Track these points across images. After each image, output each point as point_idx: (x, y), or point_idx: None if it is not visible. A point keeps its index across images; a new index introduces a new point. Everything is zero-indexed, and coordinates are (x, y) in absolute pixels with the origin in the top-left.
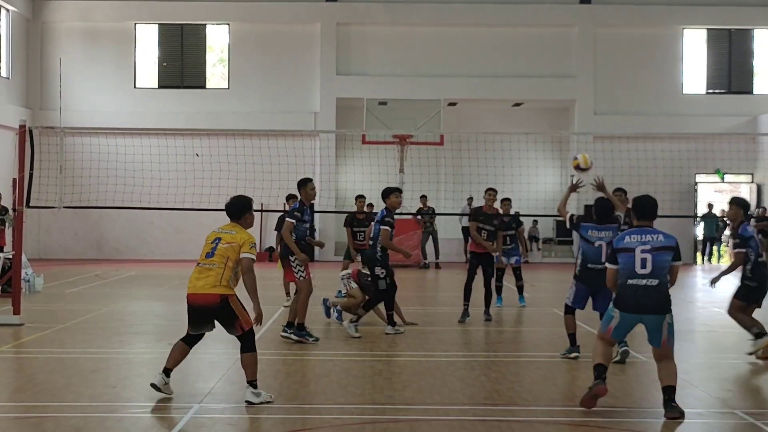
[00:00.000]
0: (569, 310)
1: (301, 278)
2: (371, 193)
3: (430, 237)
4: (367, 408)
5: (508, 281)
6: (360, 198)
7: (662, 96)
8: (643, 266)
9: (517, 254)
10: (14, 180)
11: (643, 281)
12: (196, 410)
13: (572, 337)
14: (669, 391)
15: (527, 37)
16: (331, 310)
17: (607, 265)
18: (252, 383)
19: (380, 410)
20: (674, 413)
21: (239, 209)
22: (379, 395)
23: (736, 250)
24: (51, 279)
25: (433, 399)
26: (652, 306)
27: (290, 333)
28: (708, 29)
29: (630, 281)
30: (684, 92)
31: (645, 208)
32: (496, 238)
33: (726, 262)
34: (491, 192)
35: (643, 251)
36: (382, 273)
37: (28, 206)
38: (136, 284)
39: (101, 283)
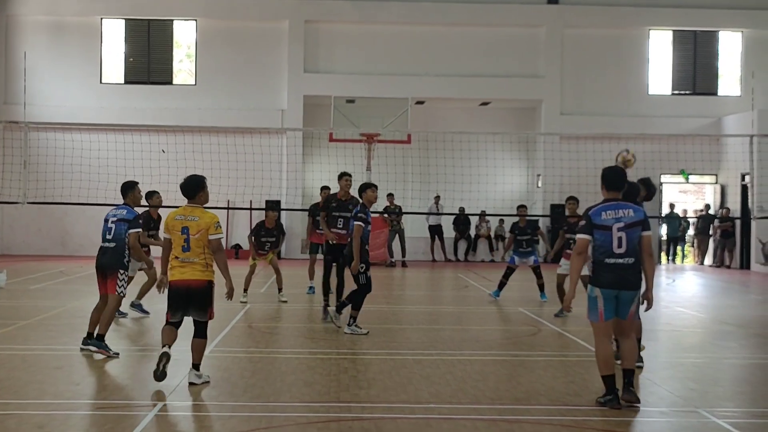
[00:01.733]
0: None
1: (122, 294)
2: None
3: (397, 235)
4: (332, 406)
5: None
6: (325, 189)
7: (628, 97)
8: (620, 245)
9: (534, 255)
10: None
11: (621, 260)
12: (161, 408)
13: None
14: (629, 374)
15: (495, 36)
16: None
17: (580, 235)
18: (197, 366)
19: (346, 408)
20: (632, 397)
21: (194, 188)
22: (345, 393)
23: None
24: (14, 275)
25: (399, 397)
26: (629, 283)
27: (90, 345)
28: (674, 31)
29: (608, 260)
30: (650, 93)
31: (615, 179)
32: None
33: (690, 261)
34: (347, 177)
35: (618, 229)
36: (362, 268)
37: None
38: None
39: (65, 279)
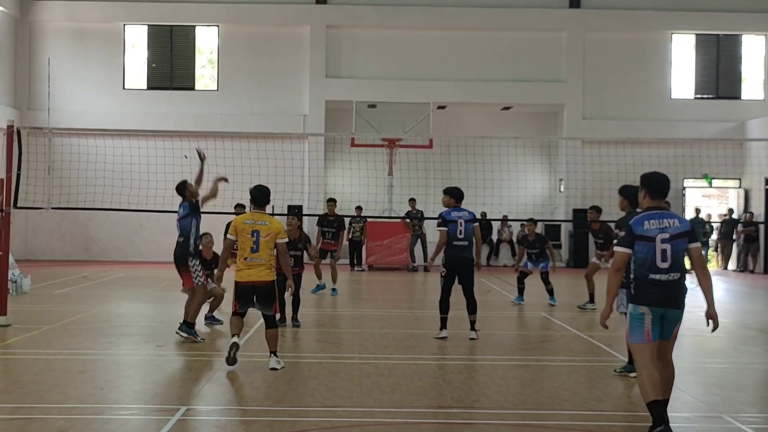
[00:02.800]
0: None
1: (199, 283)
2: (359, 196)
3: (419, 240)
4: (355, 411)
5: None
6: (330, 201)
7: (651, 101)
8: (664, 259)
9: (544, 263)
10: (2, 180)
11: (665, 276)
12: (183, 412)
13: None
14: (663, 406)
15: (517, 41)
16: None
17: (619, 248)
18: (274, 353)
19: (368, 413)
20: (664, 429)
21: (267, 197)
22: (367, 398)
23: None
24: (38, 280)
25: (422, 402)
26: (676, 301)
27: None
28: (696, 34)
29: (651, 276)
30: (672, 97)
31: (658, 185)
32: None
33: (713, 266)
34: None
35: (663, 240)
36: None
37: (15, 207)
38: (124, 286)
39: (89, 284)
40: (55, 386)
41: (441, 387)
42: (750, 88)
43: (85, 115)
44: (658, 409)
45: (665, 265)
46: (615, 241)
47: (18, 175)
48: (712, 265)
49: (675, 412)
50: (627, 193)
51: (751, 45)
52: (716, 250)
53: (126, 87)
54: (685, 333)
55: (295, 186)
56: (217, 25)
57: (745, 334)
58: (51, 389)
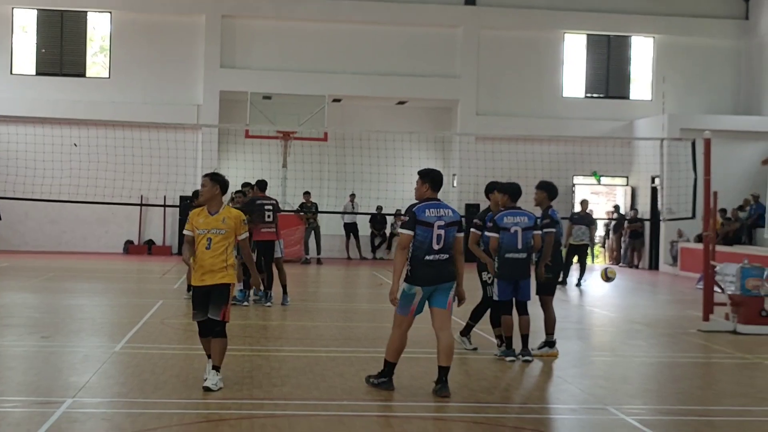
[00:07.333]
0: (506, 309)
1: None
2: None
3: (313, 233)
4: (245, 403)
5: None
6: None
7: (543, 99)
8: (438, 242)
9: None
10: None
11: (437, 256)
12: (69, 404)
13: (509, 340)
14: (446, 372)
15: (413, 36)
16: None
17: (403, 231)
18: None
19: (258, 405)
20: (448, 392)
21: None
22: (258, 390)
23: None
24: None
25: (312, 394)
26: (447, 276)
27: None
28: (588, 34)
29: (427, 257)
30: (564, 95)
31: (438, 180)
32: None
33: (601, 262)
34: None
35: (439, 227)
36: (489, 278)
37: None
38: (8, 276)
39: None
40: None
41: (332, 379)
42: (638, 89)
43: None
44: (392, 368)
45: (438, 247)
46: (400, 225)
47: None
48: (600, 261)
49: (562, 404)
50: (546, 187)
51: (640, 46)
52: (603, 246)
53: (14, 72)
54: (573, 327)
55: (188, 177)
56: (110, 12)
57: (631, 328)
58: None
